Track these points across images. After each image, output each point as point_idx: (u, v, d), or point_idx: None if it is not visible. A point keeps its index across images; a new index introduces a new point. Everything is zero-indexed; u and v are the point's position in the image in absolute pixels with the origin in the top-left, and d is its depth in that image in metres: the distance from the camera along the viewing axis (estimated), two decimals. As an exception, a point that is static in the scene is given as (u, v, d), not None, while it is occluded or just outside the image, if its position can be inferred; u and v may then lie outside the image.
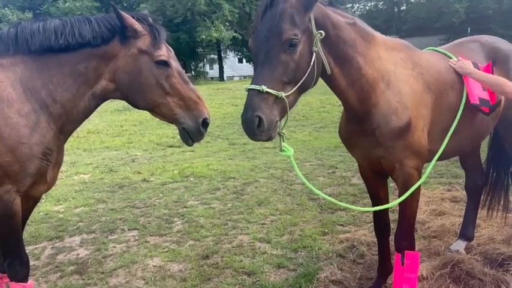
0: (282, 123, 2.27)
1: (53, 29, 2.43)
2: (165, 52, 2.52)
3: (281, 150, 2.33)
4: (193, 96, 2.53)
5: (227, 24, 32.38)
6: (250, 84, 2.18)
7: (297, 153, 8.51)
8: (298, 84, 2.23)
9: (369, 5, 38.57)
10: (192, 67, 41.77)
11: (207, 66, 47.52)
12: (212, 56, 43.79)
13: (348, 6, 39.05)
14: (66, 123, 2.52)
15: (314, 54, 2.27)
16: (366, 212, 4.29)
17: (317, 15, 2.31)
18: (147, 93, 2.52)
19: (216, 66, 42.93)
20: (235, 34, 31.99)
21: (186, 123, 2.53)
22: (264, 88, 2.12)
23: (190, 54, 38.41)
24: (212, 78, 40.32)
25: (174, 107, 2.52)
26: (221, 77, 37.04)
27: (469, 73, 2.86)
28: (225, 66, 40.22)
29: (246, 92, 2.20)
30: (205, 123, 2.55)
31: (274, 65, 2.17)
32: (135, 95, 2.56)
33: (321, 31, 2.29)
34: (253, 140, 2.26)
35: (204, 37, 30.18)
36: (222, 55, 39.55)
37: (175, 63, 2.55)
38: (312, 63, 2.26)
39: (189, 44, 34.34)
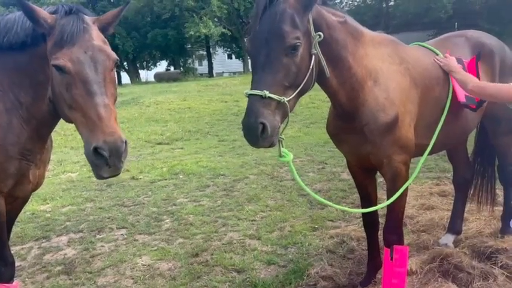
0: (281, 128, 2.21)
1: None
2: (68, 53, 1.98)
3: (280, 156, 2.28)
4: (92, 114, 1.92)
5: (216, 20, 32.16)
6: (251, 89, 2.11)
7: (287, 149, 8.46)
8: (299, 88, 2.18)
9: (357, 0, 38.65)
10: (181, 63, 41.50)
11: (196, 63, 47.26)
12: (201, 52, 43.58)
13: (336, 1, 39.13)
14: (39, 126, 2.37)
15: (313, 56, 2.23)
16: (360, 212, 4.28)
17: (314, 15, 2.26)
18: (56, 104, 2.14)
19: (205, 63, 42.76)
20: (224, 30, 31.82)
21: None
22: (267, 93, 2.04)
23: (178, 51, 38.17)
24: (201, 74, 40.10)
25: (79, 125, 2.00)
26: (210, 73, 36.88)
27: (450, 71, 2.87)
28: (214, 62, 40.06)
29: (246, 96, 2.12)
30: (97, 153, 1.89)
31: (276, 69, 2.10)
32: (55, 105, 2.17)
33: (320, 33, 2.24)
34: (255, 147, 2.18)
35: (192, 33, 29.95)
36: (211, 51, 39.37)
37: (81, 69, 1.97)
38: (311, 66, 2.22)
39: (177, 40, 34.11)
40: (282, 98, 2.09)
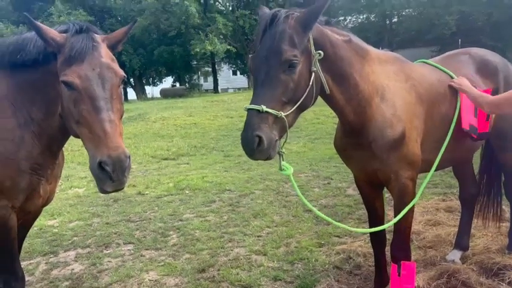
0: (281, 142, 2.28)
1: (12, 45, 2.34)
2: (77, 70, 2.05)
3: (281, 169, 2.34)
4: (98, 129, 1.98)
5: (221, 37, 32.57)
6: (250, 104, 2.19)
7: (292, 164, 8.39)
8: (298, 104, 2.25)
9: (361, 17, 39.01)
10: (187, 80, 41.89)
11: (202, 79, 47.65)
12: (206, 68, 43.95)
13: (340, 18, 39.53)
14: (50, 141, 2.44)
15: (313, 74, 2.30)
16: (364, 233, 4.27)
17: (316, 35, 2.35)
18: (65, 119, 2.21)
19: (210, 79, 43.08)
20: (229, 47, 32.18)
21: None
22: (264, 108, 2.13)
23: (184, 67, 38.55)
24: (207, 90, 40.38)
25: (86, 139, 2.06)
26: (215, 89, 37.15)
27: (465, 91, 2.89)
28: (219, 78, 40.38)
29: (245, 111, 2.21)
30: (101, 167, 1.95)
31: (274, 85, 2.19)
32: (64, 120, 2.25)
33: (320, 51, 2.32)
34: (252, 159, 2.26)
35: (198, 50, 30.31)
36: (216, 68, 39.73)
37: (88, 85, 2.03)
38: (310, 83, 2.29)
39: (183, 57, 34.47)
40: (279, 113, 2.17)
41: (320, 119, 14.09)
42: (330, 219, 2.67)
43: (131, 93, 39.11)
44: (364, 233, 4.27)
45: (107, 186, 1.98)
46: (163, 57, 34.04)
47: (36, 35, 2.21)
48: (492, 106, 2.71)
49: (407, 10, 35.55)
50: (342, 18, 39.34)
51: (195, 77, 44.62)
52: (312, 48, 2.30)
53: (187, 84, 39.62)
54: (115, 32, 2.37)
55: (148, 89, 42.21)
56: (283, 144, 2.31)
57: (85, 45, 2.09)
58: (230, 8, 35.91)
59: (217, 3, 36.31)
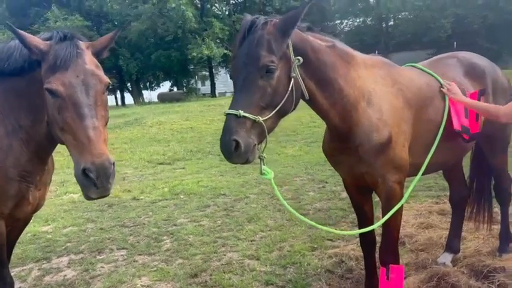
0: (262, 147, 2.31)
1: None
2: (60, 77, 2.05)
3: (261, 173, 2.37)
4: (82, 136, 1.99)
5: (218, 41, 32.66)
6: (229, 108, 2.23)
7: (287, 168, 8.55)
8: (276, 109, 2.28)
9: (358, 21, 39.21)
10: (184, 84, 41.93)
11: (199, 83, 47.71)
12: (204, 72, 44.02)
13: (336, 22, 39.71)
14: (38, 148, 2.45)
15: (292, 79, 2.32)
16: (349, 235, 4.34)
17: (295, 40, 2.38)
18: (51, 126, 2.22)
19: (207, 83, 43.12)
20: (226, 51, 32.26)
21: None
22: (241, 113, 2.16)
23: (181, 71, 38.60)
24: (204, 94, 40.42)
25: (70, 146, 2.08)
26: (213, 93, 37.19)
27: (463, 101, 2.93)
28: (216, 82, 40.41)
29: (224, 116, 2.24)
30: (85, 174, 1.95)
31: (252, 91, 2.22)
32: (50, 127, 2.25)
33: (299, 57, 2.34)
34: (231, 163, 2.29)
35: (195, 54, 30.39)
36: (214, 72, 39.79)
37: (72, 92, 2.03)
38: (290, 88, 2.32)
39: (180, 61, 34.53)
40: (257, 117, 2.19)
41: (316, 122, 14.09)
42: (312, 223, 2.70)
43: (128, 98, 39.12)
44: (350, 235, 4.31)
45: (91, 193, 1.99)
46: (160, 62, 34.09)
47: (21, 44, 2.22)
48: (509, 116, 2.72)
49: (403, 13, 35.77)
50: (339, 21, 39.50)
51: (193, 81, 44.67)
52: (291, 54, 2.32)
53: (184, 89, 39.64)
54: (100, 39, 2.38)
55: (146, 94, 42.25)
56: (264, 148, 2.33)
57: (69, 53, 2.09)
58: (227, 13, 36.05)
59: (213, 7, 36.39)
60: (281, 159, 9.47)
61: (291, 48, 2.32)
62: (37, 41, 2.17)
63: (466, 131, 3.02)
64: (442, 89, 3.01)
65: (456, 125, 2.97)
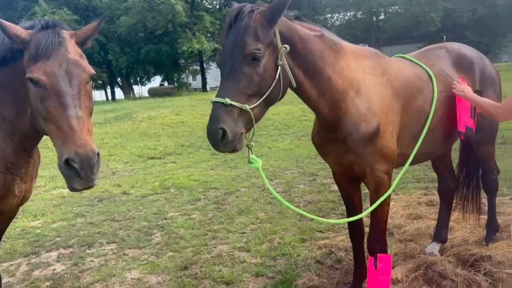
0: (250, 136, 2.30)
1: None
2: (43, 67, 2.01)
3: (249, 162, 2.37)
4: (65, 126, 1.94)
5: (208, 35, 32.48)
6: (215, 97, 2.22)
7: (278, 161, 8.56)
8: (264, 97, 2.27)
9: (348, 14, 39.26)
10: (175, 78, 41.66)
11: (190, 78, 47.46)
12: (195, 67, 43.79)
13: (327, 16, 39.70)
14: (23, 140, 2.40)
15: (279, 67, 2.32)
16: (336, 223, 4.37)
17: (283, 29, 2.37)
18: (34, 116, 2.16)
19: (198, 77, 42.91)
20: (216, 45, 32.08)
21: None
22: (228, 101, 2.15)
23: (172, 66, 38.33)
24: (195, 89, 40.26)
25: (53, 137, 2.03)
26: (204, 88, 37.02)
27: (473, 99, 2.95)
28: (208, 77, 40.24)
29: (211, 104, 2.23)
30: (68, 164, 1.91)
31: (238, 78, 2.21)
32: (33, 118, 2.19)
33: (286, 45, 2.33)
34: (218, 152, 2.29)
35: (185, 48, 30.18)
36: (205, 66, 39.59)
37: (55, 82, 1.99)
38: (277, 77, 2.31)
39: (171, 55, 34.27)
40: (244, 105, 2.18)
41: (307, 116, 14.12)
42: (299, 210, 2.73)
43: (119, 93, 38.80)
44: (339, 225, 4.33)
45: (75, 184, 1.94)
46: (150, 56, 33.81)
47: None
48: (509, 112, 2.74)
49: (393, 7, 35.87)
50: (329, 15, 39.49)
51: (183, 75, 44.39)
52: (278, 42, 2.31)
53: (175, 83, 39.39)
54: (84, 28, 2.33)
55: (137, 89, 41.94)
56: (251, 137, 2.33)
57: (51, 41, 2.04)
58: (217, 6, 35.82)
59: (204, 1, 36.18)
60: (272, 152, 9.47)
61: (278, 36, 2.31)
62: (18, 29, 2.10)
63: (470, 132, 3.04)
64: (453, 88, 3.02)
65: (461, 126, 3.00)
